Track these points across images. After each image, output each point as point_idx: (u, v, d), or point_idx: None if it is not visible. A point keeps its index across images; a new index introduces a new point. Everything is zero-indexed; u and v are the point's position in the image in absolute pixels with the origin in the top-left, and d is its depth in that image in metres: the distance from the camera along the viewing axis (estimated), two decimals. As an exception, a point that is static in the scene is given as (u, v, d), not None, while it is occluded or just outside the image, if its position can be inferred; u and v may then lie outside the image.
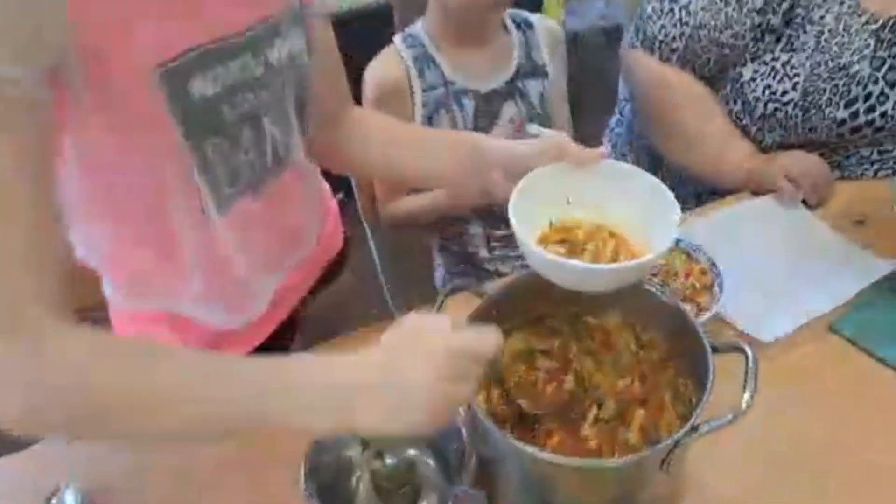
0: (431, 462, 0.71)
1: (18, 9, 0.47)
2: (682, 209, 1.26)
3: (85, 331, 0.50)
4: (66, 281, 0.53)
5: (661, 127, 1.15)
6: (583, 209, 0.66)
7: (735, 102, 1.08)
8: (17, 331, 0.48)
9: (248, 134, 0.66)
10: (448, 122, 1.03)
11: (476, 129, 1.04)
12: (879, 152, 1.05)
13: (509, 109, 1.06)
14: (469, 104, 1.03)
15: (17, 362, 0.48)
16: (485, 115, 1.05)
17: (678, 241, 0.93)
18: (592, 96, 1.56)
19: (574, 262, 0.59)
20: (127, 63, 0.54)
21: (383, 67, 1.03)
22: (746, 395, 0.56)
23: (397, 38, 1.04)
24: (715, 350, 0.60)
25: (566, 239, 0.65)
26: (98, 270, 0.75)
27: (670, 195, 0.62)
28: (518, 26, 1.08)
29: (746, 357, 0.58)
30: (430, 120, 1.03)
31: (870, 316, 0.83)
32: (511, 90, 1.06)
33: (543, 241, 0.65)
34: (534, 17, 1.10)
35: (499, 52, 1.06)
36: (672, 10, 1.06)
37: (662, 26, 1.08)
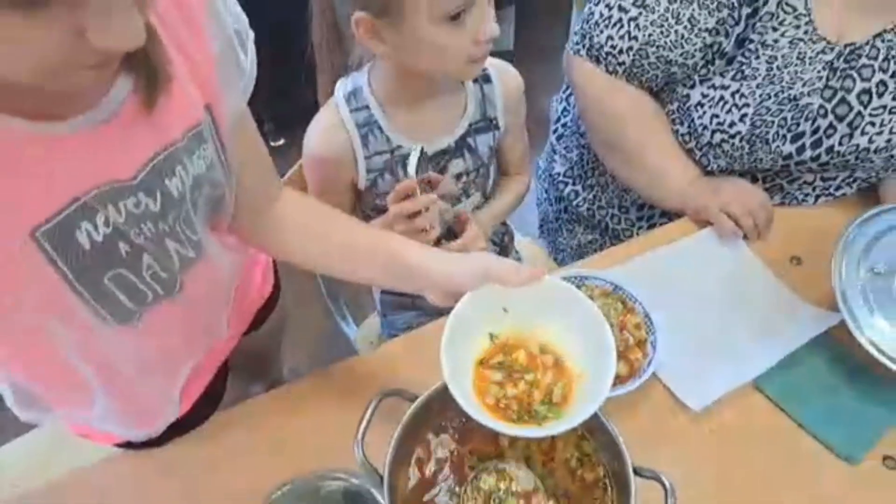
0: None
1: None
2: (621, 221, 1.24)
3: None
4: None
5: (602, 138, 1.10)
6: (521, 320, 0.64)
7: (681, 124, 1.03)
8: None
9: (146, 259, 0.60)
10: (391, 183, 0.93)
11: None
12: (822, 178, 1.03)
13: (456, 166, 0.97)
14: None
15: None
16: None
17: (615, 287, 0.91)
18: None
19: (508, 428, 0.57)
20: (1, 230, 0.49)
21: (325, 139, 0.92)
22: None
23: (340, 98, 0.92)
24: (637, 473, 0.60)
25: (504, 363, 0.63)
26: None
27: (609, 336, 0.60)
28: (475, 80, 0.96)
29: (665, 490, 0.58)
30: (373, 183, 0.95)
31: (794, 376, 0.84)
32: (459, 146, 0.96)
33: (484, 360, 0.63)
34: (493, 70, 0.98)
35: (451, 110, 0.96)
36: (620, 20, 0.98)
37: (609, 37, 1.00)
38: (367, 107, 0.91)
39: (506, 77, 0.99)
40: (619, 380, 0.82)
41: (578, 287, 0.90)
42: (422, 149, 0.86)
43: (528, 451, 0.68)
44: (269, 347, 1.11)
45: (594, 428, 0.66)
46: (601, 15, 1.00)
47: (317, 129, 0.93)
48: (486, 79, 0.97)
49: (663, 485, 0.58)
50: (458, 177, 0.99)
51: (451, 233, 1.01)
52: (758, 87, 0.95)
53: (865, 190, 1.04)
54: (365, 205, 1.01)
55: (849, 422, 0.80)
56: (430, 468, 0.65)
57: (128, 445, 0.79)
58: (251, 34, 0.66)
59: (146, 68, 0.53)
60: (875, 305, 0.80)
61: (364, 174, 0.94)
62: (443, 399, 0.63)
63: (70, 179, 0.52)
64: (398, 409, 0.64)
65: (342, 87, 0.93)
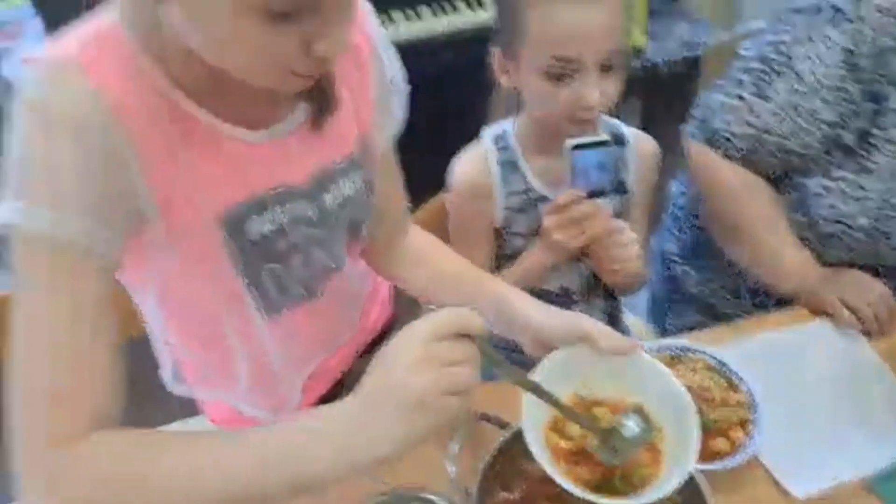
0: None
1: (101, 177, 0.55)
2: (734, 307, 1.22)
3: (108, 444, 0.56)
4: (114, 395, 0.59)
5: (720, 218, 1.12)
6: (607, 388, 0.67)
7: (798, 212, 1.03)
8: (38, 470, 0.55)
9: (298, 260, 0.72)
10: (525, 224, 1.02)
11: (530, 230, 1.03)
12: (953, 280, 0.99)
13: None
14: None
15: (40, 482, 0.55)
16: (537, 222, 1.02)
17: (721, 363, 0.91)
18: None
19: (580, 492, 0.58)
20: (192, 213, 0.62)
21: (471, 170, 1.02)
22: None
23: (488, 138, 1.03)
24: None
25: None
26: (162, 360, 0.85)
27: (694, 416, 0.62)
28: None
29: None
30: (509, 222, 1.03)
31: (915, 478, 0.79)
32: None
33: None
34: (630, 132, 1.04)
35: None
36: (740, 108, 1.03)
37: (727, 123, 1.04)
38: (509, 148, 1.01)
39: (642, 144, 1.05)
40: (718, 456, 0.81)
41: (681, 358, 0.92)
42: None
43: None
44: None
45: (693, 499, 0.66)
46: (720, 103, 1.05)
47: (463, 161, 1.02)
48: (621, 140, 1.03)
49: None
50: None
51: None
52: (881, 181, 0.95)
53: None
54: (500, 249, 1.07)
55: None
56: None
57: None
58: (407, 87, 0.78)
59: (320, 99, 0.67)
60: None
61: (501, 210, 1.01)
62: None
63: (254, 177, 0.65)
64: (488, 436, 0.69)
65: (491, 130, 1.03)
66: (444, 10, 1.92)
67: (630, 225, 1.07)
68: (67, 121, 0.53)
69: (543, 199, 1.01)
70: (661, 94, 2.55)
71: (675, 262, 1.29)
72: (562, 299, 1.07)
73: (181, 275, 0.68)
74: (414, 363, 0.50)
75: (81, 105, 0.53)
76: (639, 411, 0.64)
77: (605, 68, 0.88)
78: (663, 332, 1.37)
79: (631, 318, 1.39)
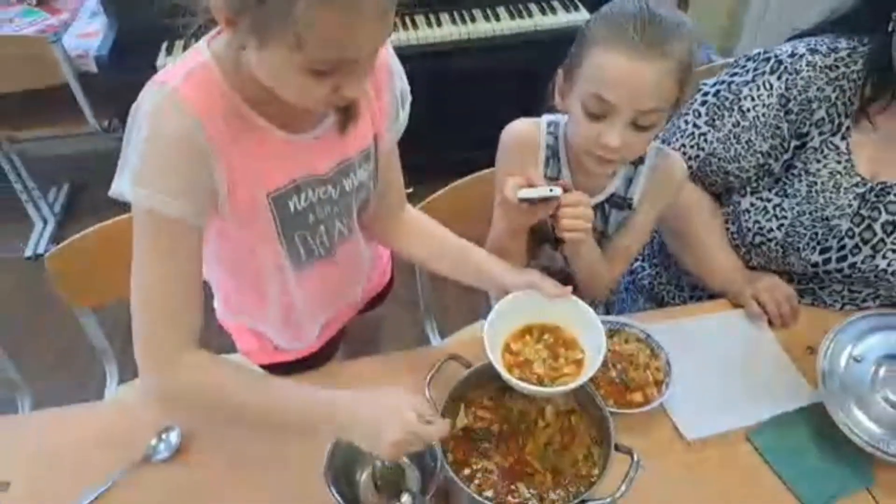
0: (416, 472, 0.97)
1: (193, 170, 0.78)
2: (676, 298, 1.44)
3: (207, 363, 0.83)
4: (200, 322, 0.84)
5: (670, 226, 1.34)
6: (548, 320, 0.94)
7: (732, 224, 1.26)
8: (157, 363, 0.81)
9: (322, 228, 0.97)
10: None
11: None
12: (850, 290, 1.21)
13: (595, 221, 1.09)
14: None
15: (153, 381, 0.82)
16: None
17: (648, 336, 1.14)
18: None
19: (523, 384, 0.84)
20: (250, 192, 0.85)
21: (521, 130, 1.10)
22: (623, 488, 0.79)
23: (543, 119, 1.10)
24: (617, 448, 0.84)
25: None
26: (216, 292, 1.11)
27: (603, 335, 0.88)
28: (632, 161, 1.08)
29: (632, 460, 0.81)
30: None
31: (782, 435, 1.02)
32: (595, 211, 1.08)
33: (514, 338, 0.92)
34: (654, 148, 1.09)
35: (600, 180, 1.10)
36: (694, 133, 1.25)
37: (682, 144, 1.26)
38: (557, 137, 1.10)
39: (663, 161, 1.11)
40: (634, 405, 1.05)
41: (618, 331, 1.15)
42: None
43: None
44: (370, 330, 1.44)
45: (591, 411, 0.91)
46: (679, 127, 1.27)
47: (519, 122, 1.12)
48: (640, 160, 1.10)
49: (631, 456, 0.81)
50: (594, 229, 1.10)
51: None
52: (797, 204, 1.17)
53: (889, 307, 1.21)
54: None
55: (819, 479, 0.97)
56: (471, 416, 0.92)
57: (269, 369, 1.13)
58: (409, 98, 1.01)
59: (346, 112, 0.89)
60: (851, 389, 0.98)
61: (542, 172, 1.10)
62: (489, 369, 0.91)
63: (294, 168, 0.88)
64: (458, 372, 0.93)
65: (548, 116, 1.12)
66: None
67: (626, 232, 1.16)
68: (172, 135, 0.75)
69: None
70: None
71: (634, 258, 1.51)
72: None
73: (236, 233, 0.91)
74: (401, 426, 0.78)
75: (182, 124, 0.75)
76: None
77: (639, 125, 0.93)
78: (620, 312, 1.60)
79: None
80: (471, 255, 1.03)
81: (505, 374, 0.85)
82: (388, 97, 0.96)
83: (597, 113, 0.94)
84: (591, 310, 0.91)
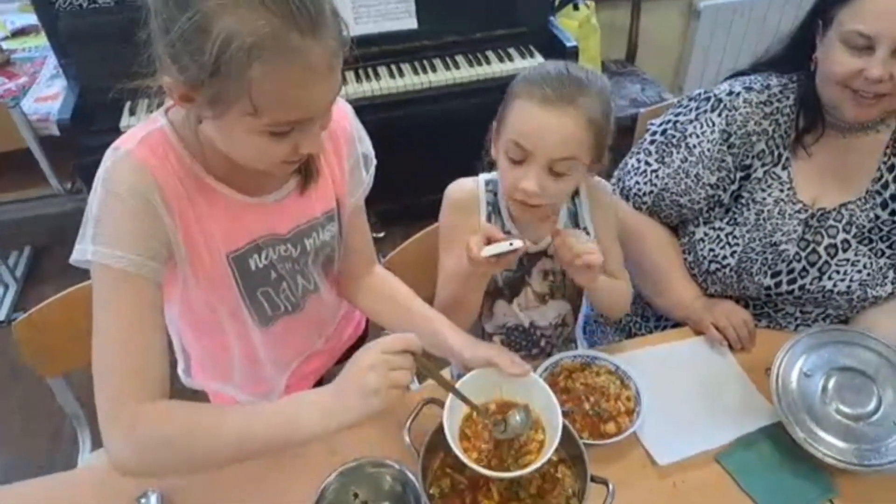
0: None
1: (147, 226, 0.80)
2: (642, 328, 1.49)
3: (170, 406, 0.80)
4: (164, 374, 0.83)
5: (631, 259, 1.40)
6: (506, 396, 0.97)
7: (689, 253, 1.32)
8: (120, 420, 0.78)
9: (285, 285, 0.99)
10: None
11: (513, 274, 1.18)
12: (802, 311, 1.28)
13: (544, 264, 1.18)
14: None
15: (119, 443, 0.78)
16: (519, 269, 1.18)
17: (617, 367, 1.18)
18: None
19: (489, 472, 0.86)
20: (209, 252, 0.88)
21: (461, 190, 1.15)
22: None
23: (482, 177, 1.16)
24: (593, 479, 0.87)
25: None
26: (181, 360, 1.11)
27: (560, 418, 0.91)
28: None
29: (608, 489, 0.84)
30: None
31: (749, 455, 1.06)
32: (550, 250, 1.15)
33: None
34: (584, 182, 1.13)
35: (540, 229, 1.14)
36: (646, 171, 1.32)
37: (636, 182, 1.33)
38: (496, 194, 1.15)
39: (593, 190, 1.17)
40: (608, 436, 1.08)
41: (590, 365, 1.19)
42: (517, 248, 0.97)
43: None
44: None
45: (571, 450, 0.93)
46: (632, 166, 1.34)
47: (460, 183, 1.16)
48: (576, 192, 1.16)
49: (607, 486, 0.84)
50: (545, 275, 1.18)
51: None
52: (747, 232, 1.24)
53: (838, 325, 1.28)
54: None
55: (785, 494, 1.01)
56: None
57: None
58: (374, 161, 1.04)
59: (306, 173, 0.93)
60: (805, 404, 1.03)
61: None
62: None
63: (254, 228, 0.91)
64: (434, 414, 0.95)
65: (485, 175, 1.17)
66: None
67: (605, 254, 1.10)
68: (125, 193, 0.78)
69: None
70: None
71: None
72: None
73: (198, 294, 0.92)
74: (371, 366, 0.79)
75: (136, 182, 0.78)
76: (525, 409, 0.94)
77: (555, 171, 0.98)
78: (591, 345, 1.64)
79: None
80: (434, 326, 1.04)
81: (470, 463, 0.86)
82: (351, 161, 1.00)
83: (515, 159, 0.99)
84: (547, 387, 0.94)
